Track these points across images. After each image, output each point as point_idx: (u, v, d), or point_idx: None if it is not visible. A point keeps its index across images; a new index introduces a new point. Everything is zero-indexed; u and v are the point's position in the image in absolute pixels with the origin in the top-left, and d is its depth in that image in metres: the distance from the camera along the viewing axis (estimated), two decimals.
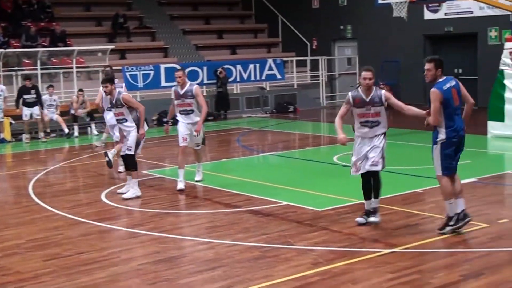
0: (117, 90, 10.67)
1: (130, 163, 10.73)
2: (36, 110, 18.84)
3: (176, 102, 11.19)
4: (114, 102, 10.61)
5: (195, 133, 11.18)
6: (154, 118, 21.78)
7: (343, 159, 13.27)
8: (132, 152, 10.64)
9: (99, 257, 7.64)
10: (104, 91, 10.81)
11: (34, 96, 18.94)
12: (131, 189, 10.64)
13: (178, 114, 11.26)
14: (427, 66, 7.89)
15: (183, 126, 11.21)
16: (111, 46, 23.04)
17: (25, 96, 18.88)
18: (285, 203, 9.85)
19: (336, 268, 6.89)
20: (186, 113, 11.18)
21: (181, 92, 11.07)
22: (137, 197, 10.55)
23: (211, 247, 7.89)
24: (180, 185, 11.02)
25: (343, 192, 10.43)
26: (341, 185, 11.10)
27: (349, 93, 8.57)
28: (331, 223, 8.67)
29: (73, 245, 8.19)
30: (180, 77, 11.08)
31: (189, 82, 11.23)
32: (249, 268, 7.03)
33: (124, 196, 10.56)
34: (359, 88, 8.54)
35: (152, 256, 7.59)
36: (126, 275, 7.01)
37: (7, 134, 18.82)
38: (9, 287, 6.70)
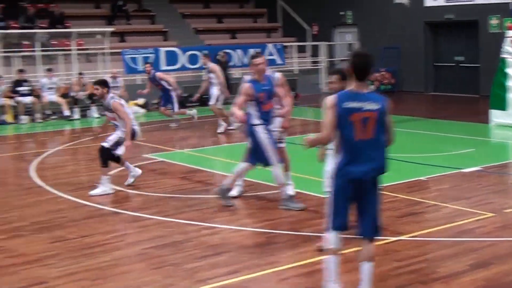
0: (110, 94, 10.07)
1: (102, 158, 9.94)
2: (29, 99, 19.05)
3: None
4: (105, 106, 10.21)
5: (281, 130, 9.15)
6: (154, 101, 21.67)
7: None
8: (106, 145, 9.94)
9: (103, 241, 7.61)
10: (95, 93, 10.34)
11: (28, 88, 19.17)
12: (101, 186, 9.89)
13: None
14: None
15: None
16: (111, 29, 22.90)
17: (18, 89, 19.05)
18: None
19: (343, 256, 6.85)
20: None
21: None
22: (107, 194, 9.83)
23: (216, 232, 7.86)
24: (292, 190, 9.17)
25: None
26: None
27: None
28: None
29: (77, 228, 8.16)
30: (261, 63, 8.74)
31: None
32: (255, 254, 7.00)
33: (92, 192, 9.82)
34: None
35: (156, 240, 7.56)
36: (131, 259, 6.98)
37: (8, 116, 18.87)
38: (14, 269, 6.67)
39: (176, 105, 17.06)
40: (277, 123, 9.18)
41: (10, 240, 7.66)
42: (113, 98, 10.03)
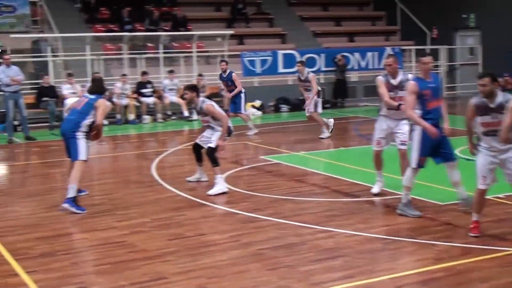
0: (201, 98, 10.37)
1: (211, 158, 10.21)
2: (152, 100, 19.74)
3: (390, 94, 9.37)
4: (198, 110, 10.48)
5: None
6: (271, 104, 21.94)
7: (466, 152, 12.86)
8: (213, 145, 10.18)
9: (220, 240, 7.76)
10: (184, 98, 10.51)
11: (151, 90, 19.89)
12: (216, 185, 10.14)
13: (384, 109, 9.60)
14: None
15: (386, 124, 9.66)
16: (231, 32, 23.33)
17: (142, 90, 19.79)
18: None
19: (462, 265, 6.68)
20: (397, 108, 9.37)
21: (395, 83, 9.40)
22: (223, 193, 10.05)
23: (331, 236, 7.83)
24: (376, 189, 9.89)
25: (467, 187, 10.07)
26: (464, 180, 10.72)
27: None
28: (455, 218, 8.42)
29: (195, 226, 8.36)
30: (390, 65, 9.42)
31: (401, 71, 9.56)
32: (370, 260, 6.93)
33: (209, 192, 10.08)
34: None
35: (271, 241, 7.63)
36: (246, 259, 7.06)
37: (132, 116, 19.72)
38: (136, 263, 6.91)
39: (242, 107, 16.68)
40: (403, 128, 9.38)
41: (132, 236, 7.95)
42: (204, 102, 10.29)
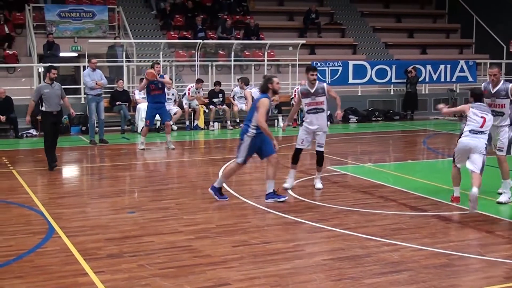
0: (317, 81, 11.03)
1: (322, 160, 11.20)
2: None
3: (487, 100, 9.96)
4: (314, 90, 10.90)
5: None
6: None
7: None
8: (323, 149, 11.08)
9: (284, 248, 7.78)
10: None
11: (221, 99, 20.12)
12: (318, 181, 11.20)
13: None
14: None
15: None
16: (302, 41, 23.36)
17: (214, 100, 20.02)
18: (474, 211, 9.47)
19: None
20: None
21: (493, 91, 9.90)
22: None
23: (396, 249, 7.75)
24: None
25: None
26: None
27: None
28: None
29: (260, 234, 8.40)
30: (495, 74, 9.89)
31: (502, 80, 10.03)
32: (435, 275, 6.83)
33: (316, 185, 11.14)
34: None
35: (336, 252, 7.60)
36: (311, 269, 7.06)
37: (201, 122, 19.93)
38: (201, 268, 7.00)
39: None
40: (502, 134, 9.98)
41: (198, 241, 8.05)
42: (322, 82, 11.07)
